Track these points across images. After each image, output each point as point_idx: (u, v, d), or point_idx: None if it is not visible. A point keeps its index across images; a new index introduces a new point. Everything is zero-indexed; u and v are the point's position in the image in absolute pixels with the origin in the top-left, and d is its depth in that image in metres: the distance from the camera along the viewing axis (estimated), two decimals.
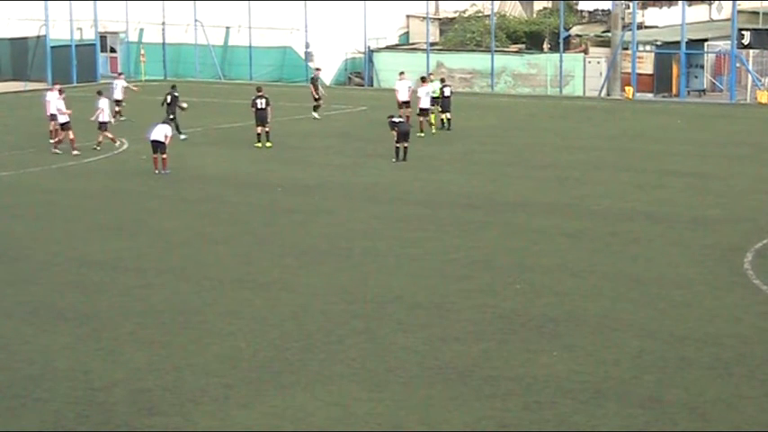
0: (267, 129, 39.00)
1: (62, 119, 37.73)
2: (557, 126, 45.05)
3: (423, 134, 41.36)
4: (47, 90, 39.08)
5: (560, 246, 24.55)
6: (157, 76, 64.53)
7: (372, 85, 61.04)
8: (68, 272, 22.78)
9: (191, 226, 26.90)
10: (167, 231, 26.34)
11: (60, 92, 38.83)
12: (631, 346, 17.72)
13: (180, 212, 28.49)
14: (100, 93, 39.68)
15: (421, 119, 41.77)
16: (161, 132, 33.68)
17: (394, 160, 35.49)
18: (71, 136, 37.58)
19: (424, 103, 41.49)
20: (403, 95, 42.89)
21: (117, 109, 45.40)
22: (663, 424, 14.78)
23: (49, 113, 38.85)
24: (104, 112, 38.63)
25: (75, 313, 19.84)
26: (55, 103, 38.24)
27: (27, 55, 63.10)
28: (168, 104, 41.17)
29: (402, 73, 44.60)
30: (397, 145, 35.67)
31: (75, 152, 37.38)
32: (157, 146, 33.68)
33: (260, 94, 39.18)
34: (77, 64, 62.04)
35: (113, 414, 15.26)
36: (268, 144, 38.88)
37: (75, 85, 61.03)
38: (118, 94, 46.53)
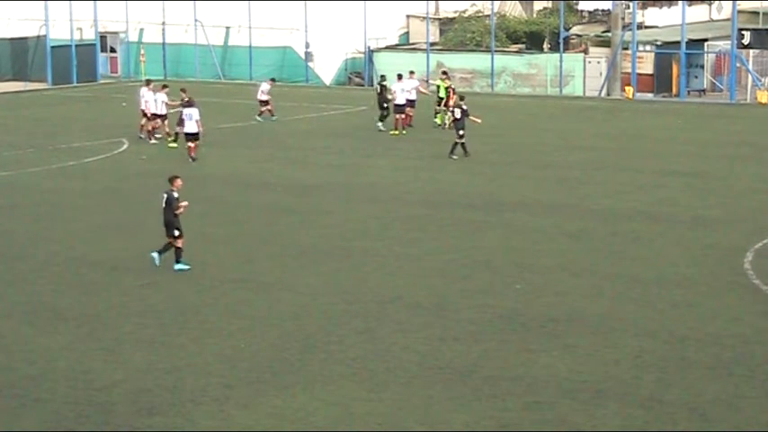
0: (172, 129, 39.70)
1: (161, 110, 39.68)
2: (557, 126, 45.04)
3: (396, 132, 41.51)
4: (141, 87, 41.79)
5: (560, 246, 24.56)
6: (157, 75, 64.42)
7: (372, 85, 60.96)
8: (68, 272, 22.78)
9: (191, 226, 26.78)
10: None
11: (164, 87, 40.90)
12: (631, 346, 17.72)
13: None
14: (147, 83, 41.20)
15: (397, 116, 41.86)
16: (194, 124, 35.62)
17: (455, 157, 35.88)
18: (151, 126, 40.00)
19: (400, 99, 41.61)
20: (411, 95, 42.68)
21: (261, 109, 45.88)
22: (663, 424, 14.79)
23: (147, 110, 40.08)
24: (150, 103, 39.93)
25: (75, 313, 19.84)
26: (147, 97, 39.91)
27: (27, 55, 63.08)
28: (379, 94, 43.27)
29: (412, 72, 44.55)
30: (457, 141, 36.24)
31: (152, 141, 39.87)
32: (191, 136, 35.74)
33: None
34: (77, 64, 62.01)
35: (113, 414, 15.26)
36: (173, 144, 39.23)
37: (75, 84, 61.11)
38: (263, 95, 46.08)
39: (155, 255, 22.68)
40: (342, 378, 16.47)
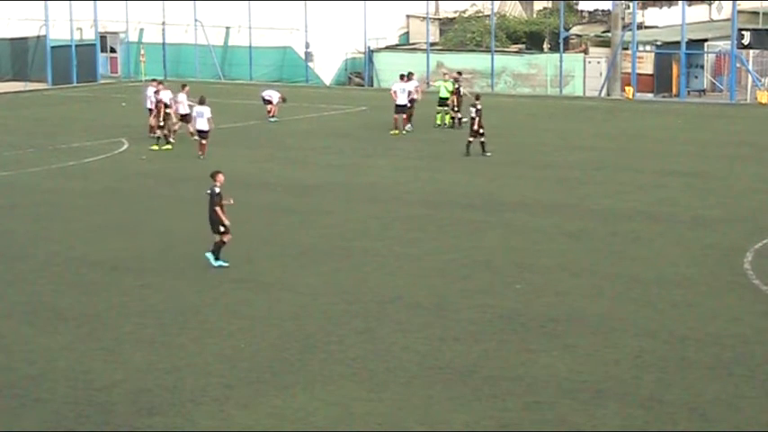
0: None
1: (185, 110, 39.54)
2: (557, 126, 45.03)
3: (396, 132, 41.54)
4: (147, 85, 42.46)
5: (560, 246, 24.55)
6: (157, 76, 64.36)
7: (372, 85, 61.01)
8: (68, 272, 22.78)
9: (191, 226, 26.84)
10: (167, 231, 26.34)
11: (184, 86, 40.79)
12: (631, 346, 17.72)
13: (180, 212, 28.46)
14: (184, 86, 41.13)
15: (397, 116, 41.88)
16: (205, 121, 36.05)
17: (489, 154, 36.31)
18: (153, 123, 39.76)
19: (401, 99, 41.68)
20: (409, 95, 42.64)
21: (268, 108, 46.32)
22: (663, 424, 14.79)
23: (150, 107, 40.24)
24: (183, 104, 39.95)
25: (75, 313, 19.84)
26: (152, 96, 39.96)
27: (27, 55, 63.07)
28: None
29: (411, 73, 44.52)
30: (470, 139, 36.52)
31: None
32: (202, 133, 36.16)
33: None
34: (77, 64, 62.00)
35: (113, 414, 15.26)
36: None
37: (75, 84, 61.09)
38: (267, 96, 46.62)
39: (209, 255, 22.67)
40: (342, 378, 16.47)
